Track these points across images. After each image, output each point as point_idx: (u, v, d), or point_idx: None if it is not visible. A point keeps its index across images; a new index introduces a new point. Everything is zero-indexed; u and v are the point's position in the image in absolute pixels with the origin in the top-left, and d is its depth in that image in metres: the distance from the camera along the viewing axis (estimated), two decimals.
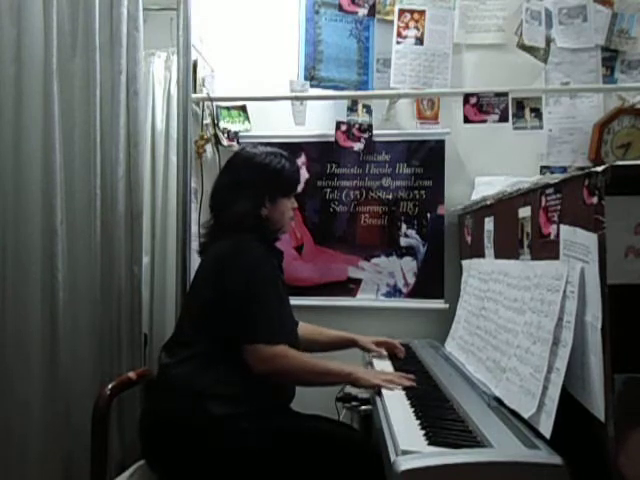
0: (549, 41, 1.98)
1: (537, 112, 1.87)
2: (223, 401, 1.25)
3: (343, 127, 1.98)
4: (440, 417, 1.07)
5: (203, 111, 2.08)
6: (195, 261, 1.64)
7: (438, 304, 1.99)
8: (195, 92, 1.95)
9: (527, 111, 1.87)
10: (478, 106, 1.87)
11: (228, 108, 2.09)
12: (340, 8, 2.02)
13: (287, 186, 1.51)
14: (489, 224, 1.56)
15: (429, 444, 0.94)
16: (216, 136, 2.08)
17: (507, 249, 1.38)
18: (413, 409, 1.12)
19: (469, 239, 1.83)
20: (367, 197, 2.07)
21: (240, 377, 1.28)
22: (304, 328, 1.63)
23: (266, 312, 1.32)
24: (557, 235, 1.05)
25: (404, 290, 2.04)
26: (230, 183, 1.49)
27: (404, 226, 2.05)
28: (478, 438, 0.96)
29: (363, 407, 1.69)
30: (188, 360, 1.31)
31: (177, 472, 1.26)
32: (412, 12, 2.01)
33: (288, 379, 1.37)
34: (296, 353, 1.34)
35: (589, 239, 0.91)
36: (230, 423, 1.23)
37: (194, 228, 1.85)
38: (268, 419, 1.28)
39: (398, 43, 2.01)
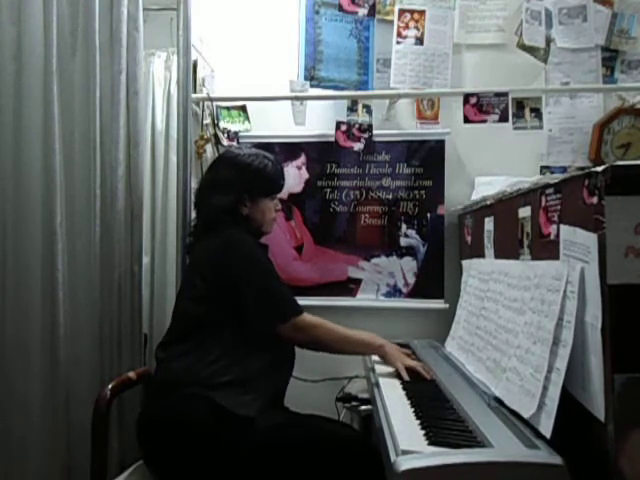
0: (549, 41, 1.98)
1: (537, 112, 1.87)
2: (226, 390, 1.26)
3: (343, 127, 1.98)
4: (440, 417, 1.07)
5: (203, 111, 2.08)
6: None
7: (438, 304, 1.99)
8: (195, 92, 1.95)
9: (527, 111, 1.87)
10: (478, 106, 1.87)
11: (228, 108, 2.09)
12: (340, 8, 2.02)
13: (268, 186, 1.53)
14: (489, 224, 1.56)
15: (429, 444, 0.94)
16: (216, 136, 2.08)
17: (507, 249, 1.38)
18: (413, 409, 1.13)
19: (469, 239, 1.83)
20: (367, 197, 2.07)
21: (239, 367, 1.31)
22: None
23: (280, 289, 1.39)
24: (557, 235, 1.05)
25: (404, 290, 2.03)
26: (211, 181, 1.53)
27: (404, 226, 2.05)
28: (478, 438, 0.96)
29: (363, 407, 1.69)
30: (186, 354, 1.33)
31: (178, 471, 1.26)
32: (412, 12, 2.01)
33: (324, 347, 1.43)
34: (327, 322, 1.42)
35: (589, 239, 0.91)
36: (233, 413, 1.24)
37: None
38: (268, 417, 1.28)
39: (398, 43, 2.01)
